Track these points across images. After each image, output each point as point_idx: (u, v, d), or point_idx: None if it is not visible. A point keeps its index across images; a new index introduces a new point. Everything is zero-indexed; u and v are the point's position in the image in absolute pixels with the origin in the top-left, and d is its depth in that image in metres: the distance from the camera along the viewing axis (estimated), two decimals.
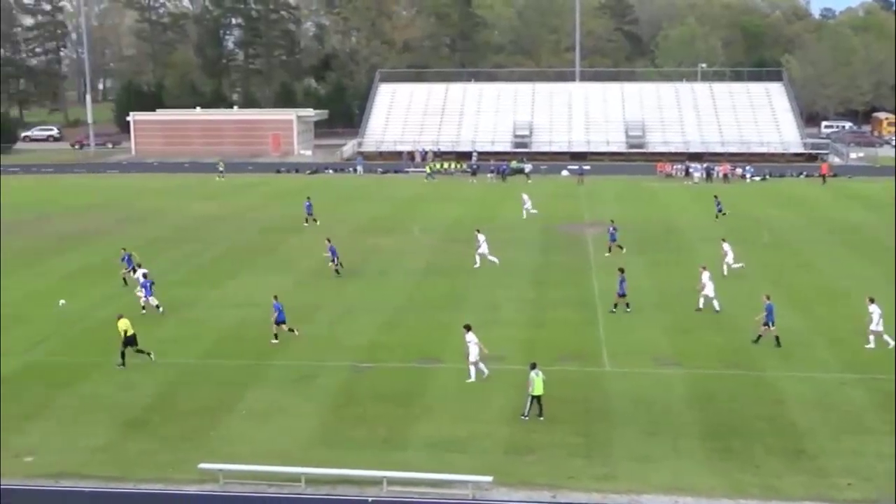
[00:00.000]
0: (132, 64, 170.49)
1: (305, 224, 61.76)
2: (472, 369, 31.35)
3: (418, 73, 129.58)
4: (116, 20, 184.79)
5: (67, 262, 49.14)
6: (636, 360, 33.74)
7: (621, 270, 40.57)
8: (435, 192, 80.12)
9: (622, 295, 39.70)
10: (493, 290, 44.01)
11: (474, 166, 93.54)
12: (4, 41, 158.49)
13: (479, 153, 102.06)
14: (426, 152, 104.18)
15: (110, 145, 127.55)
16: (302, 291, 44.02)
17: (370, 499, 23.57)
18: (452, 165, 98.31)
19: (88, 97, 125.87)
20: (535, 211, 65.34)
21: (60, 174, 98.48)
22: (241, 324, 38.56)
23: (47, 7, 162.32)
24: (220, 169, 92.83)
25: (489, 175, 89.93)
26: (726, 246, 47.24)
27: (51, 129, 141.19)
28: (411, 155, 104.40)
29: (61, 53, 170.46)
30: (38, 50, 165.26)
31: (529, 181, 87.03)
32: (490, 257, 48.98)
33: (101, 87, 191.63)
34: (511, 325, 38.36)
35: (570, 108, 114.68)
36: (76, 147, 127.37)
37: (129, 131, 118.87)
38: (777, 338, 34.92)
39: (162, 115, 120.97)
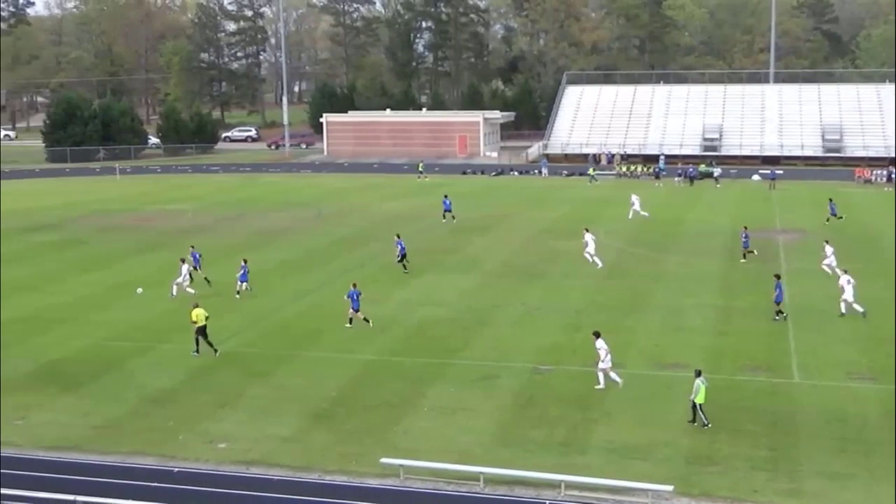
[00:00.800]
0: (326, 67, 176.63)
1: (443, 220, 63.90)
2: (601, 376, 30.96)
3: (606, 74, 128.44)
4: (312, 25, 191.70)
5: (262, 258, 51.09)
6: (827, 373, 32.45)
7: (777, 277, 39.63)
8: (619, 196, 79.07)
9: (778, 302, 38.54)
10: (678, 296, 43.22)
11: (659, 169, 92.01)
12: (210, 46, 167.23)
13: (667, 156, 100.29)
14: (612, 155, 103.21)
15: (304, 146, 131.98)
16: (485, 292, 44.48)
17: (547, 502, 23.53)
18: (638, 168, 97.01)
19: (285, 99, 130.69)
20: (645, 213, 64.55)
21: (257, 173, 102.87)
22: (426, 322, 39.25)
23: (249, 13, 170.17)
24: (421, 170, 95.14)
25: (676, 179, 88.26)
26: (829, 248, 46.19)
27: (249, 130, 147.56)
28: (597, 157, 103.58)
29: (260, 57, 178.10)
30: (239, 54, 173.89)
31: (718, 185, 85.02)
32: (595, 258, 48.37)
33: (296, 89, 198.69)
34: (695, 331, 37.60)
35: (763, 110, 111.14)
36: (272, 147, 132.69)
37: (322, 132, 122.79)
38: None
39: (353, 116, 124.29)
